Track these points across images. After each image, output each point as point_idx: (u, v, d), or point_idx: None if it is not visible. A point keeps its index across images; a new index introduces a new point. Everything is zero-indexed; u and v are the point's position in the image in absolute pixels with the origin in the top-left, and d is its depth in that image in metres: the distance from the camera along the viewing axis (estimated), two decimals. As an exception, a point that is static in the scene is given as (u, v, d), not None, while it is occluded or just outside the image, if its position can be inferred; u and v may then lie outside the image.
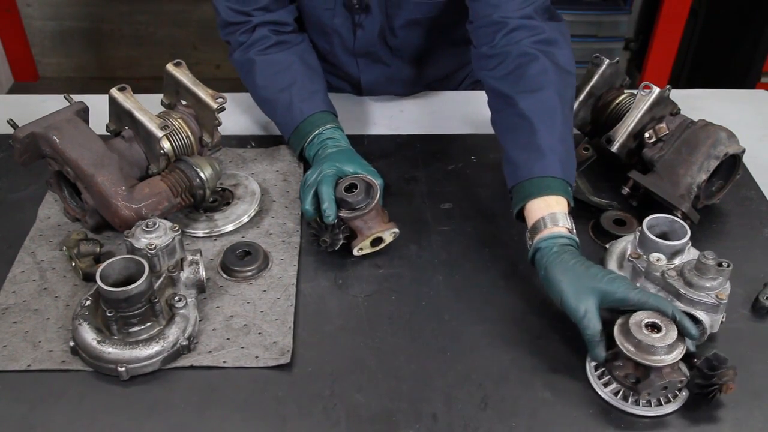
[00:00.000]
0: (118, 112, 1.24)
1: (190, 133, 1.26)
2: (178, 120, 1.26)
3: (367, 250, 1.20)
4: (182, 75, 1.26)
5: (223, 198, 1.31)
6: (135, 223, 1.09)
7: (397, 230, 1.21)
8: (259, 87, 1.40)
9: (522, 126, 1.17)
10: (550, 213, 1.09)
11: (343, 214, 1.17)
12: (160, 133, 1.19)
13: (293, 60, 1.41)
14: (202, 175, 1.21)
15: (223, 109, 1.25)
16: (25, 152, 1.20)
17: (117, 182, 1.15)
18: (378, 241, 1.19)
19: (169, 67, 1.27)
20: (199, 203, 1.24)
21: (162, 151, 1.20)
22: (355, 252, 1.19)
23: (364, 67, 1.57)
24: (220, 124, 1.26)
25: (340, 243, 1.18)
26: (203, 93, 1.25)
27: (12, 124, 1.22)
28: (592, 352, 1.01)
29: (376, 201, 1.18)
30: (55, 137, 1.16)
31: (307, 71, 1.41)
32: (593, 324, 0.99)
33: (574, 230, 1.10)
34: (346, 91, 1.65)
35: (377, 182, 1.21)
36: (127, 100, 1.22)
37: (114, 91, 1.23)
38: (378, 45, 1.51)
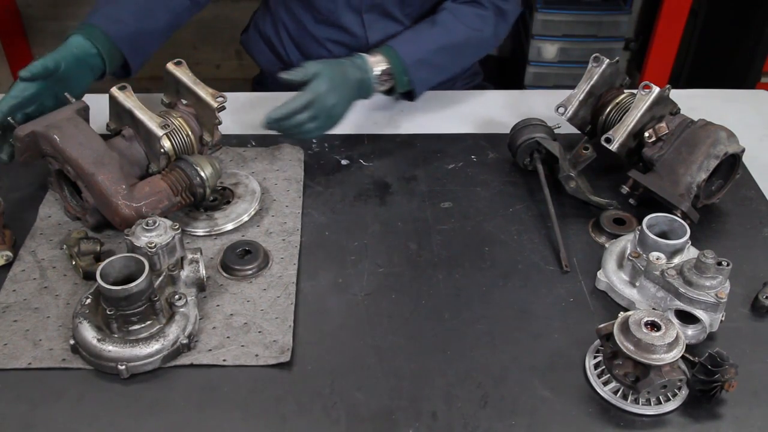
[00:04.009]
0: (118, 111, 1.24)
1: (190, 132, 1.26)
2: (179, 119, 1.26)
3: None
4: (182, 74, 1.26)
5: (223, 197, 1.31)
6: (135, 222, 1.10)
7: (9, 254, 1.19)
8: None
9: (426, 25, 1.49)
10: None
11: None
12: (160, 132, 1.19)
13: None
14: (202, 173, 1.21)
15: (223, 108, 1.25)
16: (26, 151, 1.20)
17: (117, 181, 1.15)
18: None
19: (170, 66, 1.27)
20: (199, 202, 1.24)
21: (162, 150, 1.20)
22: None
23: (371, 23, 1.56)
24: (220, 123, 1.27)
25: None
26: (203, 92, 1.25)
27: (12, 122, 1.22)
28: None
29: None
30: (55, 136, 1.16)
31: (135, 9, 1.37)
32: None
33: (378, 77, 1.41)
34: None
35: None
36: (127, 99, 1.22)
37: (114, 90, 1.23)
38: None
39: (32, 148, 1.20)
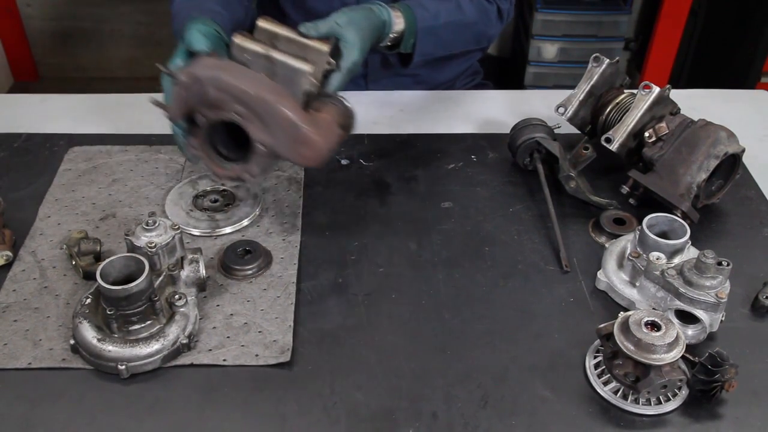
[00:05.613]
0: (243, 62, 1.17)
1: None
2: None
3: None
4: (278, 27, 1.20)
5: (224, 198, 1.31)
6: (323, 156, 1.05)
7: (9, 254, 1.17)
8: (173, 5, 1.39)
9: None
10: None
11: None
12: (306, 67, 1.14)
13: None
14: (351, 106, 1.16)
15: (334, 52, 1.20)
16: (186, 102, 1.09)
17: (299, 109, 1.07)
18: None
19: (262, 23, 1.20)
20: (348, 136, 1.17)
21: (306, 87, 1.14)
22: None
23: None
24: (333, 67, 1.20)
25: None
26: (308, 39, 1.19)
27: (166, 71, 1.14)
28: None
29: None
30: (224, 75, 1.07)
31: (219, 2, 1.35)
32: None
33: (397, 27, 1.37)
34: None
35: None
36: (257, 44, 1.16)
37: (239, 39, 1.16)
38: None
39: (193, 98, 1.09)
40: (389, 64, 1.65)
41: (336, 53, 1.22)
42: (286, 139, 1.07)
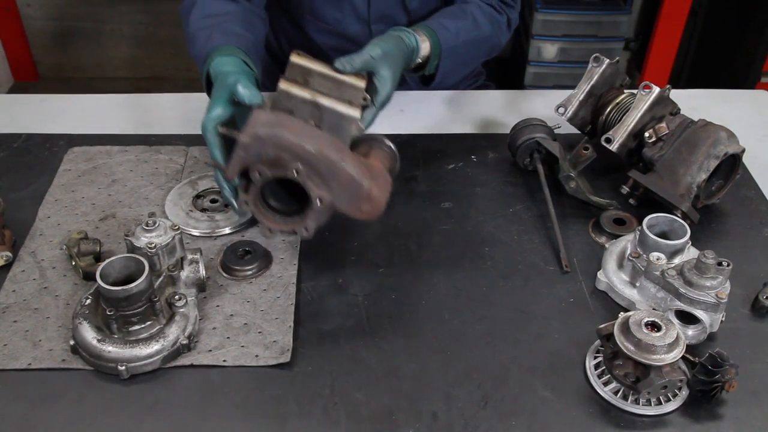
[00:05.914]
0: (288, 108, 1.14)
1: None
2: None
3: None
4: (312, 63, 1.19)
5: (224, 198, 1.30)
6: (382, 209, 1.04)
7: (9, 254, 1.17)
8: (189, 24, 1.34)
9: (459, 14, 1.49)
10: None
11: None
12: (357, 113, 1.12)
13: (232, 10, 1.34)
14: (395, 148, 1.16)
15: (368, 86, 1.19)
16: (245, 161, 1.05)
17: (360, 164, 1.06)
18: None
19: (295, 58, 1.19)
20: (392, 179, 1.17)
21: (354, 132, 1.13)
22: None
23: (378, 33, 1.54)
24: (367, 103, 1.19)
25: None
26: (343, 75, 1.19)
27: (226, 132, 1.12)
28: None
29: None
30: (285, 133, 1.03)
31: (241, 22, 1.32)
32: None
33: (423, 51, 1.38)
34: None
35: None
36: (303, 89, 1.14)
37: (285, 85, 1.13)
38: (395, 7, 1.51)
39: (251, 156, 1.05)
40: (404, 80, 1.65)
41: (369, 87, 1.21)
42: (347, 195, 1.05)
